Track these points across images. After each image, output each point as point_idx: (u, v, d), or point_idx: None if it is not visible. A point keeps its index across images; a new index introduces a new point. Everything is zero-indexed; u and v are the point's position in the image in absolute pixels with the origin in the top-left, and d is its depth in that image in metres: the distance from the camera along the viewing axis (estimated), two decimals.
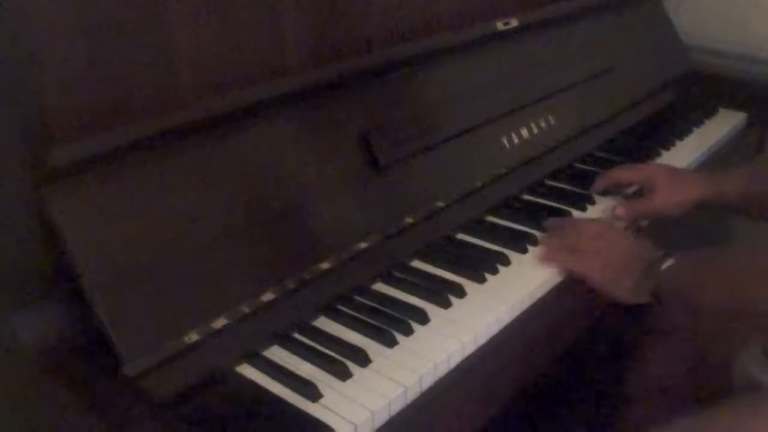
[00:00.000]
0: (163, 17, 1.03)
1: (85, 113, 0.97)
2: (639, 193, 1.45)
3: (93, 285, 0.91)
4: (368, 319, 1.10)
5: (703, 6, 2.12)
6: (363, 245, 1.19)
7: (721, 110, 1.94)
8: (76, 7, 0.94)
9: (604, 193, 1.48)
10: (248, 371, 1.01)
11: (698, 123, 1.86)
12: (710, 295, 1.13)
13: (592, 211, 1.43)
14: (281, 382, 0.99)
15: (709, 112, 1.92)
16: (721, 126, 1.87)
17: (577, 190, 1.51)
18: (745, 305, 1.07)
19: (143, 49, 1.02)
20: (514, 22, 1.52)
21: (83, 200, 0.93)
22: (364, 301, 1.16)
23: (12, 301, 0.94)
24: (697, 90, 2.01)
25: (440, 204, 1.33)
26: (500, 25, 1.50)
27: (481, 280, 1.20)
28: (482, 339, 1.09)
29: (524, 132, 1.51)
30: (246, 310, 1.04)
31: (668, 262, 1.17)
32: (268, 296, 1.06)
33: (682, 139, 1.77)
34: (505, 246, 1.29)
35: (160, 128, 0.99)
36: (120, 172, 0.96)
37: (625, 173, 1.47)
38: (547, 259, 1.25)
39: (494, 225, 1.38)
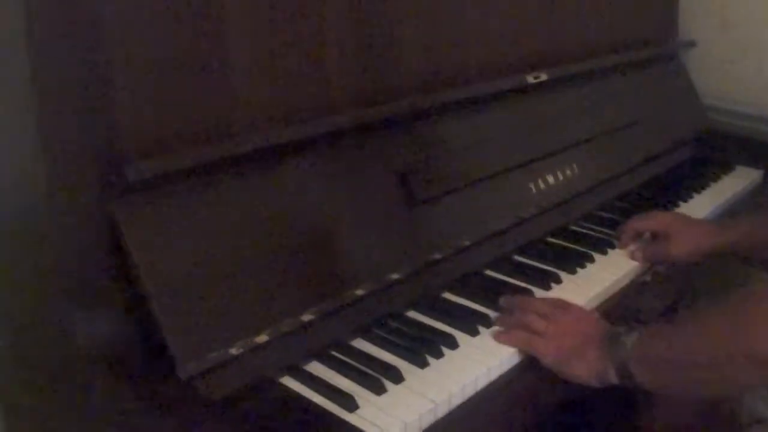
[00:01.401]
0: (224, 54, 1.13)
1: (152, 136, 1.06)
2: (654, 237, 1.53)
3: (153, 293, 0.99)
4: (401, 342, 1.18)
5: (721, 67, 2.21)
6: (395, 276, 1.27)
7: (738, 167, 2.03)
8: (147, 38, 1.05)
9: None
10: (290, 383, 1.09)
11: (716, 178, 1.95)
12: (679, 352, 1.06)
13: (613, 255, 1.51)
14: (321, 393, 1.06)
15: (726, 169, 2.01)
16: (738, 181, 1.95)
17: (599, 236, 1.59)
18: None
19: (205, 80, 1.12)
20: (543, 76, 1.62)
21: (148, 215, 1.02)
22: (398, 325, 1.24)
23: (74, 303, 1.02)
24: (715, 147, 2.11)
25: (468, 242, 1.40)
26: (531, 79, 1.60)
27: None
28: (506, 366, 1.16)
29: (550, 179, 1.59)
30: (286, 328, 1.11)
31: (632, 336, 1.09)
32: (307, 316, 1.14)
33: (699, 193, 1.86)
34: (530, 283, 1.37)
35: (219, 155, 1.08)
36: (181, 191, 1.05)
37: (642, 222, 1.54)
38: (502, 338, 1.20)
39: (520, 264, 1.47)
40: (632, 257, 1.50)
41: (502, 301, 1.28)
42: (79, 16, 0.97)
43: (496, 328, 1.23)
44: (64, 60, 0.97)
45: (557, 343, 1.15)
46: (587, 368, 1.12)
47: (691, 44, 2.20)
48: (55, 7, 0.95)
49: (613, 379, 1.10)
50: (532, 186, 1.55)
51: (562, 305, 1.24)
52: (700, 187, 1.88)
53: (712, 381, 1.03)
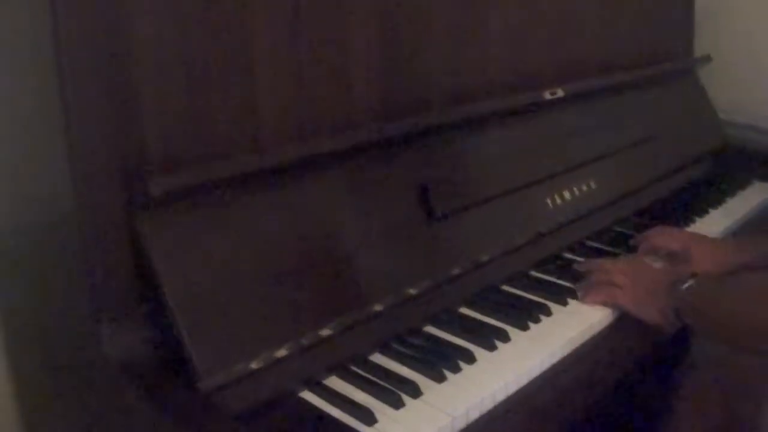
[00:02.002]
0: (249, 70, 1.15)
1: (177, 151, 1.08)
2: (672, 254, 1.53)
3: (176, 306, 1.01)
4: (419, 356, 1.19)
5: (738, 83, 2.22)
6: (413, 291, 1.28)
7: (755, 182, 2.04)
8: (175, 57, 1.07)
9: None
10: (310, 396, 1.10)
11: (732, 193, 1.96)
12: (722, 311, 1.26)
13: None
14: (339, 407, 1.07)
15: (742, 184, 2.02)
16: (754, 197, 1.96)
17: (616, 251, 1.60)
18: (752, 322, 1.19)
19: (231, 97, 1.14)
20: (560, 93, 1.64)
21: (172, 228, 1.04)
22: (416, 340, 1.25)
23: (99, 314, 1.03)
24: (731, 162, 2.11)
25: (486, 257, 1.41)
26: (548, 95, 1.61)
27: (524, 327, 1.28)
28: (524, 380, 1.17)
29: (567, 194, 1.60)
30: (305, 342, 1.12)
31: (688, 282, 1.31)
32: (326, 331, 1.15)
33: (716, 208, 1.86)
34: (547, 298, 1.37)
35: (242, 170, 1.10)
36: (205, 205, 1.07)
37: (663, 240, 1.55)
38: (586, 296, 1.37)
39: (537, 279, 1.48)
40: None
41: (579, 266, 1.48)
42: (106, 33, 0.99)
43: (511, 343, 1.24)
44: (91, 76, 0.99)
45: (633, 293, 1.35)
46: (657, 311, 1.31)
47: (708, 60, 2.20)
48: (83, 25, 0.97)
49: (674, 319, 1.29)
50: (549, 201, 1.56)
51: (636, 263, 1.46)
52: (717, 203, 1.89)
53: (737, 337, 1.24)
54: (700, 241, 1.55)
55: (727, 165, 2.12)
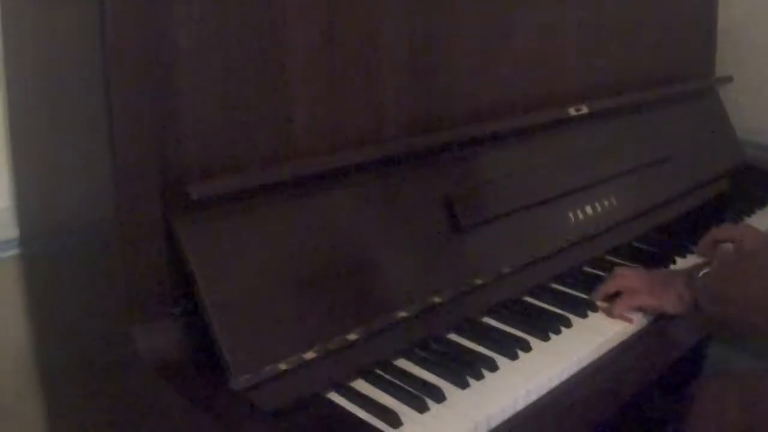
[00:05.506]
0: (284, 82, 1.19)
1: (215, 158, 1.12)
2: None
3: (212, 306, 1.05)
4: (443, 363, 1.22)
5: (758, 103, 2.25)
6: (438, 299, 1.31)
7: None
8: (214, 68, 1.11)
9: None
10: (337, 398, 1.14)
11: (750, 212, 1.98)
12: (739, 293, 1.31)
13: None
14: (365, 409, 1.11)
15: (761, 203, 2.04)
16: None
17: (634, 266, 1.61)
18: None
19: (266, 108, 1.18)
20: (585, 109, 1.67)
21: (208, 232, 1.08)
22: (440, 347, 1.28)
23: (134, 315, 1.07)
24: (750, 181, 2.14)
25: (509, 269, 1.45)
26: (572, 111, 1.64)
27: (546, 338, 1.31)
28: (544, 389, 1.20)
29: (588, 209, 1.63)
30: (333, 346, 1.16)
31: (704, 270, 1.35)
32: (353, 336, 1.18)
33: None
34: (568, 310, 1.40)
35: (276, 177, 1.14)
36: (240, 211, 1.11)
37: (722, 232, 1.67)
38: (612, 312, 1.40)
39: (558, 291, 1.51)
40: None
41: (594, 295, 1.46)
42: (149, 44, 1.03)
43: (532, 353, 1.27)
44: (133, 84, 1.02)
45: (651, 290, 1.41)
46: (677, 297, 1.38)
47: (728, 80, 2.23)
48: (129, 37, 1.00)
49: (693, 309, 1.35)
50: (571, 216, 1.59)
51: (634, 267, 1.52)
52: (734, 221, 1.90)
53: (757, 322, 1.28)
54: (753, 235, 1.65)
55: (746, 184, 2.15)
